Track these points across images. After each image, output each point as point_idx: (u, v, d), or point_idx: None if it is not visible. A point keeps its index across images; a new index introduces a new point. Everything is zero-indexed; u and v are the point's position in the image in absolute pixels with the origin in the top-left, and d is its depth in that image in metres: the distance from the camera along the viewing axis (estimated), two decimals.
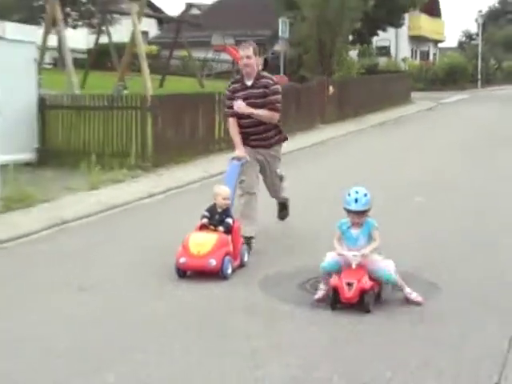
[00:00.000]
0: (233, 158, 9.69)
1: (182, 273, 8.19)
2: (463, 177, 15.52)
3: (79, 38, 45.01)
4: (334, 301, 7.02)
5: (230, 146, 18.91)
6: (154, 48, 48.99)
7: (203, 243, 8.12)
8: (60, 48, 26.66)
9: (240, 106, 9.69)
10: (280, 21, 33.86)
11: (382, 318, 6.99)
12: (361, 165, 17.93)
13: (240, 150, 9.70)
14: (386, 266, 7.27)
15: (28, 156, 17.14)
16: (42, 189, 13.85)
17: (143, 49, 27.96)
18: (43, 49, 24.66)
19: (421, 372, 5.80)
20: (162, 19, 57.62)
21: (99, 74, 34.39)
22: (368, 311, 6.93)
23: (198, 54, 43.51)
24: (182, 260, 8.08)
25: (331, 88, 28.59)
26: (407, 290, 7.35)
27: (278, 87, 9.97)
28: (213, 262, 7.97)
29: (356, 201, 7.17)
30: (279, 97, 9.93)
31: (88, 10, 47.73)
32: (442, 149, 20.36)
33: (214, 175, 15.37)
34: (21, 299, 7.87)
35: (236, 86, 9.98)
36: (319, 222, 10.70)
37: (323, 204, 12.25)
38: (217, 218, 8.53)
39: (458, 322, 6.94)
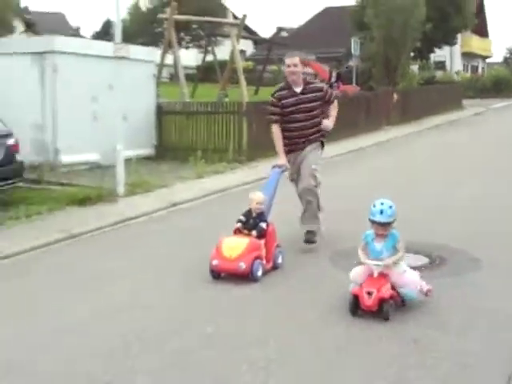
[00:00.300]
0: (274, 166, 8.70)
1: (217, 274, 7.38)
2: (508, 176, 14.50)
3: (190, 57, 45.41)
4: (355, 307, 6.13)
5: None
6: (250, 63, 48.97)
7: (235, 247, 7.30)
8: (175, 65, 26.90)
9: (328, 125, 8.78)
10: (352, 40, 33.58)
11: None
12: (418, 158, 17.90)
13: (281, 159, 8.71)
14: (411, 284, 6.28)
15: (148, 151, 17.47)
16: (158, 178, 14.13)
17: (241, 64, 28.01)
18: (161, 66, 24.87)
19: (463, 333, 5.76)
20: (256, 40, 57.63)
21: (206, 86, 34.58)
22: (387, 319, 6.00)
23: None
24: (215, 262, 7.28)
25: (395, 96, 28.32)
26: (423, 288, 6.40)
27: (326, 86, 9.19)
28: (242, 266, 7.14)
29: (381, 212, 6.18)
30: (330, 90, 9.13)
31: (197, 34, 48.23)
32: (489, 148, 19.76)
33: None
34: (129, 269, 8.04)
35: (283, 93, 8.77)
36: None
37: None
38: (251, 223, 7.68)
39: (494, 292, 6.84)
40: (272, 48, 39.72)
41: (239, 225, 7.68)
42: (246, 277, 7.20)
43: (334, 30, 49.59)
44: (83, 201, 11.85)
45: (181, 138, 18.10)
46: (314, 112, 8.73)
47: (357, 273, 6.28)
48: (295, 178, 8.90)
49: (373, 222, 6.24)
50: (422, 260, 8.14)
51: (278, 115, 8.76)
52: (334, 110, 8.93)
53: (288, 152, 8.79)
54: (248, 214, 7.77)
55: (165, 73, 35.40)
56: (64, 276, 7.90)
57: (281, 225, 8.18)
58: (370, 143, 21.45)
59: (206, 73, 37.78)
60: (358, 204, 9.09)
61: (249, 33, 55.75)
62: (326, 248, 8.62)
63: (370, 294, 6.00)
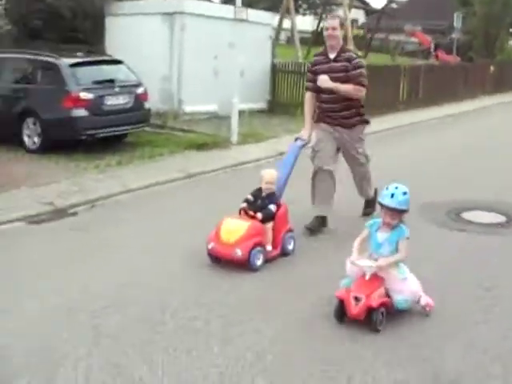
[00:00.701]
0: (296, 139, 7.07)
1: (214, 258, 5.96)
2: None
3: (306, 22, 44.73)
4: (341, 313, 4.77)
5: (410, 108, 18.03)
6: (360, 31, 48.04)
7: (233, 230, 5.87)
8: (291, 29, 26.61)
9: (322, 80, 6.92)
10: (455, 15, 32.40)
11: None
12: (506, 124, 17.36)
13: (306, 130, 7.11)
14: (407, 292, 4.87)
15: (261, 105, 17.32)
16: (268, 129, 14.06)
17: (350, 32, 27.48)
18: (279, 29, 24.64)
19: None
20: (368, 10, 56.35)
21: (319, 50, 34.20)
22: (377, 331, 4.64)
23: (394, 37, 42.39)
24: (211, 245, 5.90)
25: (492, 68, 27.28)
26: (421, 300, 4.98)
27: (362, 62, 7.06)
28: (238, 253, 5.73)
29: (392, 196, 4.82)
30: (363, 71, 6.97)
31: (314, 2, 47.51)
32: None
33: (394, 128, 14.74)
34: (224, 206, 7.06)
35: (319, 58, 7.16)
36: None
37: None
38: (259, 203, 6.17)
39: None
40: (382, 18, 38.81)
41: (244, 205, 6.20)
42: (243, 265, 5.82)
43: (439, 5, 47.85)
44: (201, 146, 11.93)
45: (291, 94, 17.75)
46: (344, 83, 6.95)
47: (351, 268, 4.98)
48: (315, 155, 7.17)
49: (381, 205, 4.94)
50: (500, 218, 7.75)
51: (313, 82, 7.19)
52: (354, 89, 6.94)
53: (320, 120, 7.26)
54: (258, 192, 6.29)
55: (283, 36, 35.09)
56: (181, 213, 8.01)
57: (295, 206, 6.80)
58: (465, 110, 20.79)
59: (319, 37, 37.15)
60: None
61: (361, 3, 54.65)
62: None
63: (357, 300, 4.67)
